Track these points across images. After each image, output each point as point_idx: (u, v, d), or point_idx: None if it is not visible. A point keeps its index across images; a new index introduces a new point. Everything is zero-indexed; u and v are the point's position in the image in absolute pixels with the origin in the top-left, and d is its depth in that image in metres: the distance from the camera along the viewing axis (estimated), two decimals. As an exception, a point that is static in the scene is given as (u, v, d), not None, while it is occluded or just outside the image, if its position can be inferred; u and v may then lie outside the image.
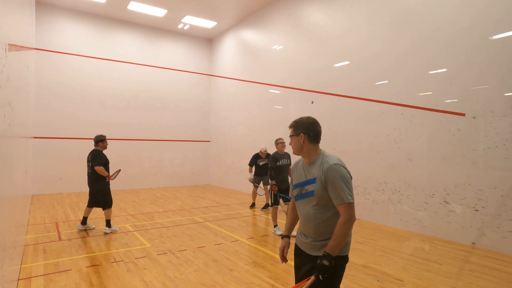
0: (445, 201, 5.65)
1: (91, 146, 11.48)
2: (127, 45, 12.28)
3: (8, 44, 2.56)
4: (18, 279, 3.77)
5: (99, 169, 5.73)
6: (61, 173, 10.76)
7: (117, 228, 6.11)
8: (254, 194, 8.45)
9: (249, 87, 11.50)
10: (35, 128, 10.13)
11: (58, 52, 10.91)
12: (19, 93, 3.85)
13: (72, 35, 11.19)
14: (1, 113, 2.15)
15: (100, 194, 5.88)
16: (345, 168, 1.93)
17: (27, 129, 6.42)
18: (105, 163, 5.87)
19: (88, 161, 5.88)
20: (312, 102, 8.63)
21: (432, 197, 5.84)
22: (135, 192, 11.21)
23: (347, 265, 2.00)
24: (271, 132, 10.26)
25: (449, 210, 5.59)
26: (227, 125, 12.87)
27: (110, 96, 11.85)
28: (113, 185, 11.69)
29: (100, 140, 6.00)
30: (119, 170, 6.29)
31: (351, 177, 1.93)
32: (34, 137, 10.15)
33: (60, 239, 5.50)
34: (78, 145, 11.09)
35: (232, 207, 8.64)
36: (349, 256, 1.98)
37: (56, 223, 6.51)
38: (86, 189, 11.10)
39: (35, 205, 8.53)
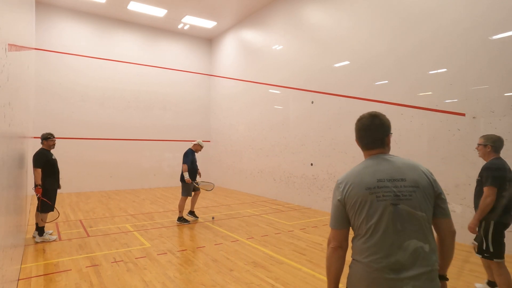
0: (445, 201, 5.64)
1: (91, 146, 11.70)
2: (127, 45, 12.28)
3: (8, 44, 2.55)
4: (18, 279, 3.77)
5: (36, 172, 5.10)
6: (60, 173, 10.71)
7: (53, 238, 5.36)
8: (187, 201, 6.94)
9: (249, 87, 11.50)
10: (35, 128, 10.12)
11: (58, 52, 10.91)
12: (19, 93, 3.84)
13: (72, 35, 11.19)
14: (1, 113, 2.15)
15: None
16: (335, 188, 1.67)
17: (27, 129, 6.41)
18: (47, 163, 5.27)
19: None
20: (312, 102, 8.63)
21: (432, 197, 5.83)
22: (135, 192, 11.21)
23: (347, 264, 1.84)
24: (271, 132, 10.26)
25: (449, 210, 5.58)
26: (227, 125, 12.87)
27: (110, 96, 11.86)
28: (113, 185, 11.86)
29: (44, 138, 5.43)
30: (51, 205, 5.46)
31: (336, 198, 1.64)
32: (34, 137, 10.13)
33: (60, 239, 5.50)
34: (78, 146, 11.11)
35: (232, 207, 8.64)
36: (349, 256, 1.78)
37: (56, 223, 6.51)
38: (86, 189, 11.19)
39: (35, 205, 8.50)
